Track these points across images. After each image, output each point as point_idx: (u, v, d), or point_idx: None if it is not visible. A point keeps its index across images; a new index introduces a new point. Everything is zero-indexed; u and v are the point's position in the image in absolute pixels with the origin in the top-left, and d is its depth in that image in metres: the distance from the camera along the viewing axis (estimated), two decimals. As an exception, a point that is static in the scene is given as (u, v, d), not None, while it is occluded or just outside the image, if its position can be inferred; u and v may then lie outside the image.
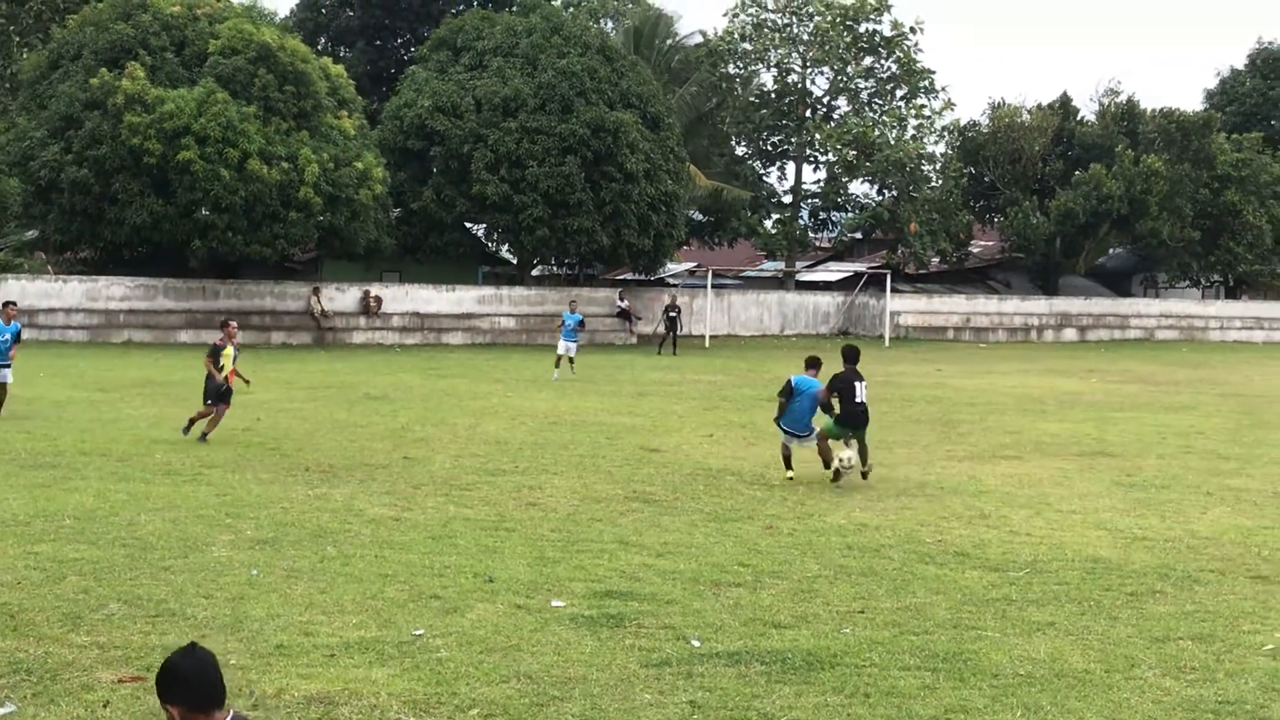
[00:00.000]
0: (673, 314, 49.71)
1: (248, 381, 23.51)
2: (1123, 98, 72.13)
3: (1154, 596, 12.31)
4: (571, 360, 37.14)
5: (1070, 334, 66.28)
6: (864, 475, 18.88)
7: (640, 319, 57.07)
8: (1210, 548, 14.62)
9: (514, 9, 61.40)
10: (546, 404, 29.02)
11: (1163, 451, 23.04)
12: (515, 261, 60.75)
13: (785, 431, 19.16)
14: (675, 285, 67.78)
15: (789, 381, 19.11)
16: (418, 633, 10.60)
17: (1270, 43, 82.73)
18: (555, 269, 65.39)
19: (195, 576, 12.25)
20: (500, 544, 14.02)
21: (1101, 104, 72.39)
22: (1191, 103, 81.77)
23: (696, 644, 10.45)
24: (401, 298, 53.68)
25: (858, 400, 19.00)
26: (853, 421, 19.00)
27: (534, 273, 62.13)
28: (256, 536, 14.09)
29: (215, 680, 5.21)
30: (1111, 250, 76.10)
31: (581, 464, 20.03)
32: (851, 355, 19.61)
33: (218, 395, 21.62)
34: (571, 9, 68.33)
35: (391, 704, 8.94)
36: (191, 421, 21.79)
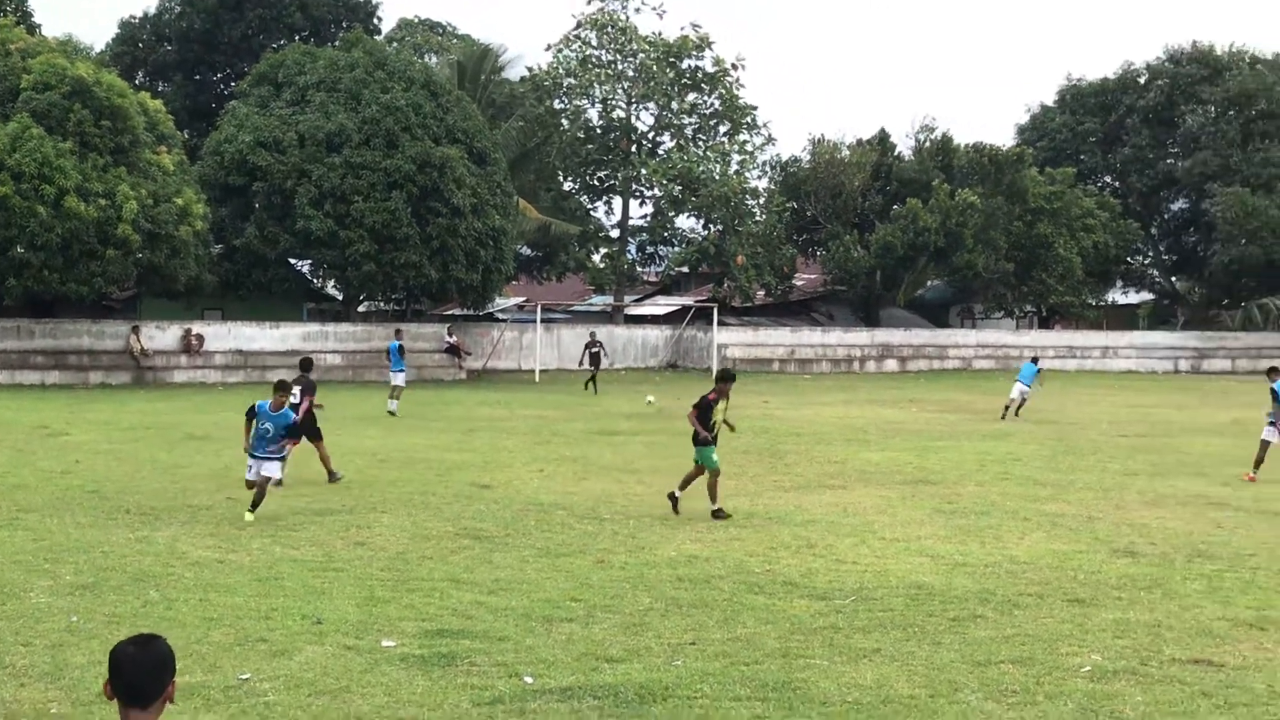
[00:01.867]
0: (594, 349, 49.58)
1: None
2: (938, 133, 73.89)
3: (975, 621, 12.62)
4: (397, 392, 36.83)
5: (891, 365, 67.55)
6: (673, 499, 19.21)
7: (469, 354, 56.88)
8: (1028, 572, 15.03)
9: (336, 44, 60.94)
10: (374, 441, 28.77)
11: (981, 479, 23.63)
12: (341, 297, 60.19)
13: None
14: (504, 320, 67.75)
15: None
16: (244, 676, 10.45)
17: (1079, 80, 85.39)
18: (382, 304, 64.86)
19: (13, 624, 11.93)
20: (328, 585, 13.88)
21: (918, 140, 74.11)
22: (1004, 138, 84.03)
23: (529, 681, 10.46)
24: (224, 335, 52.82)
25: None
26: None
27: (360, 309, 61.59)
28: (76, 582, 13.76)
29: (137, 678, 5.13)
30: (930, 282, 77.78)
31: (411, 501, 19.90)
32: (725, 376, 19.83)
33: None
34: (395, 44, 68.11)
35: (220, 750, 8.79)
36: None
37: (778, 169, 72.89)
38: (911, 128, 75.04)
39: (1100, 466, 25.93)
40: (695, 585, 14.11)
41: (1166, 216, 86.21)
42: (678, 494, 19.14)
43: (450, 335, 56.58)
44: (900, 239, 67.01)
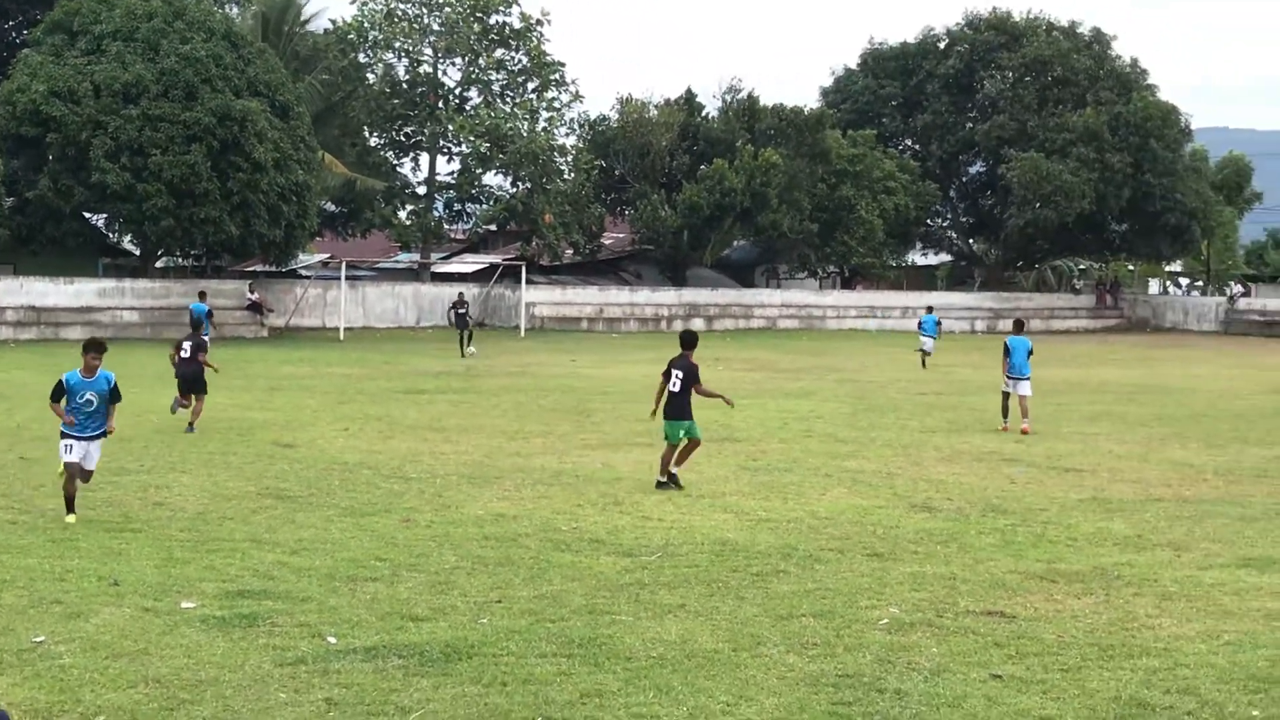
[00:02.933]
0: (461, 310, 48.34)
1: None
2: (743, 94, 74.43)
3: (778, 576, 12.82)
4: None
5: (698, 324, 68.04)
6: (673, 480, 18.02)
7: (272, 311, 55.92)
8: (830, 527, 15.31)
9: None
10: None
11: (785, 436, 23.99)
12: (138, 253, 58.64)
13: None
14: (308, 277, 66.69)
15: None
16: (38, 639, 10.15)
17: (881, 43, 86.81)
18: (181, 260, 63.35)
19: None
20: (125, 546, 13.55)
21: (724, 100, 74.58)
22: (810, 100, 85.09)
23: (332, 640, 10.34)
24: (15, 291, 51.13)
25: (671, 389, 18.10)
26: (668, 413, 18.15)
27: (158, 264, 60.06)
28: None
29: None
30: (736, 242, 78.59)
31: (211, 461, 19.52)
32: (685, 340, 18.64)
33: None
34: (195, -8, 66.27)
35: (12, 713, 8.54)
36: None
37: (586, 127, 72.84)
38: (718, 88, 75.39)
39: (899, 424, 26.51)
40: (502, 543, 14.09)
41: (965, 179, 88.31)
42: (674, 471, 18.07)
43: (252, 292, 55.55)
44: (707, 199, 67.50)
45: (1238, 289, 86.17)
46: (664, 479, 17.92)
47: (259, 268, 65.16)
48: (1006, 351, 26.90)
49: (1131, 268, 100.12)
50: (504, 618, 11.11)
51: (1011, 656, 10.30)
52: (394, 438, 22.84)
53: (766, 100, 74.65)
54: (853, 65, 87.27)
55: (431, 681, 9.38)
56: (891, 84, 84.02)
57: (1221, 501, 17.80)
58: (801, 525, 15.43)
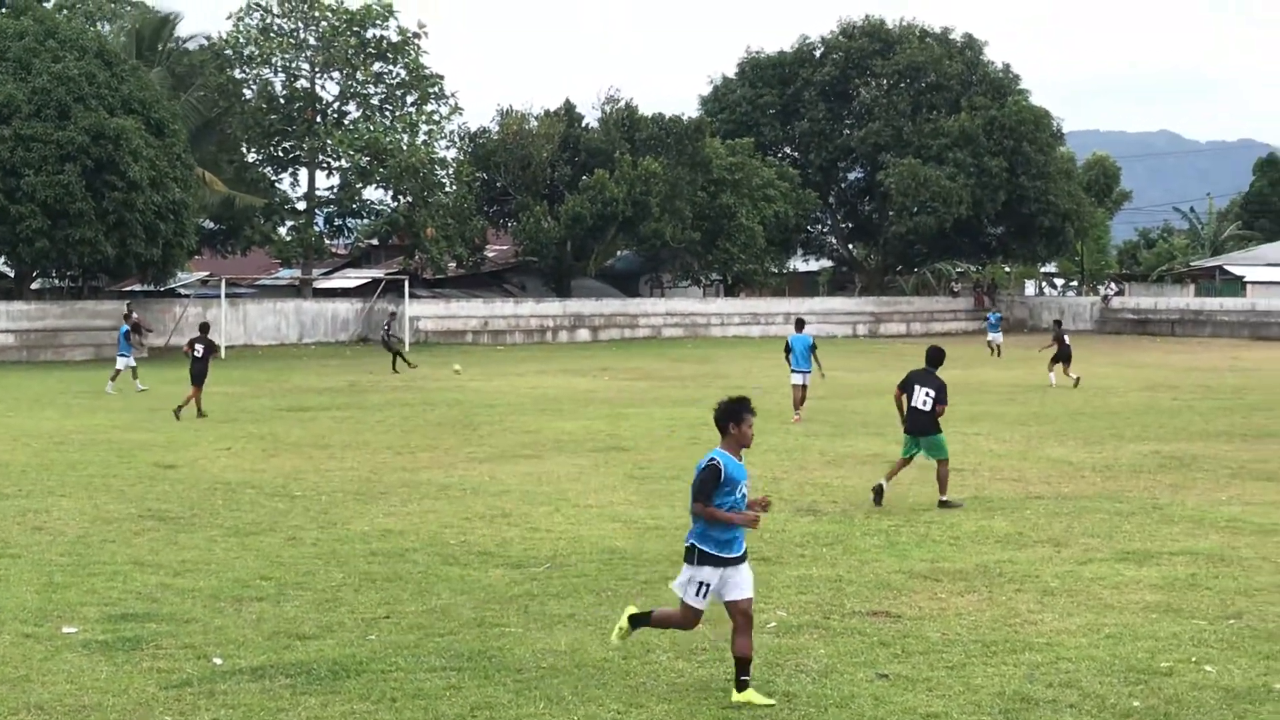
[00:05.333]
0: (386, 328, 47.95)
1: None
2: (622, 104, 74.60)
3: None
4: (134, 371, 37.10)
5: (584, 334, 68.22)
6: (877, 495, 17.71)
7: (151, 331, 55.08)
8: (717, 533, 15.38)
9: (3, 11, 58.03)
10: (52, 423, 27.65)
11: (672, 444, 24.11)
12: (13, 274, 57.47)
13: None
14: (187, 296, 65.81)
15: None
16: (-86, 673, 9.94)
17: (758, 52, 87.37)
18: (57, 281, 62.19)
19: None
20: (4, 571, 13.31)
21: (604, 111, 74.69)
22: (689, 110, 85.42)
23: (218, 662, 10.23)
24: (-115, 316, 49.93)
25: (915, 405, 17.98)
26: (910, 427, 18.10)
27: (34, 286, 58.93)
28: None
29: None
30: (619, 252, 78.77)
31: (91, 484, 19.20)
32: (932, 357, 18.70)
33: None
34: (66, 11, 65.12)
35: (-114, 751, 8.36)
36: None
37: (467, 140, 72.54)
38: (597, 99, 75.28)
39: (784, 429, 26.73)
40: (389, 559, 14.02)
41: (844, 186, 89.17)
42: (885, 485, 17.81)
43: (130, 312, 54.68)
44: (589, 209, 67.56)
45: (1111, 288, 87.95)
46: (943, 500, 17.53)
47: (137, 287, 64.13)
48: (788, 349, 29.47)
49: (1008, 270, 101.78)
50: (392, 633, 11.07)
51: (898, 655, 10.44)
52: (278, 456, 22.62)
53: (645, 110, 74.94)
54: (730, 74, 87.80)
55: (319, 700, 9.32)
56: (769, 92, 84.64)
57: (1099, 497, 18.17)
58: (689, 532, 15.49)
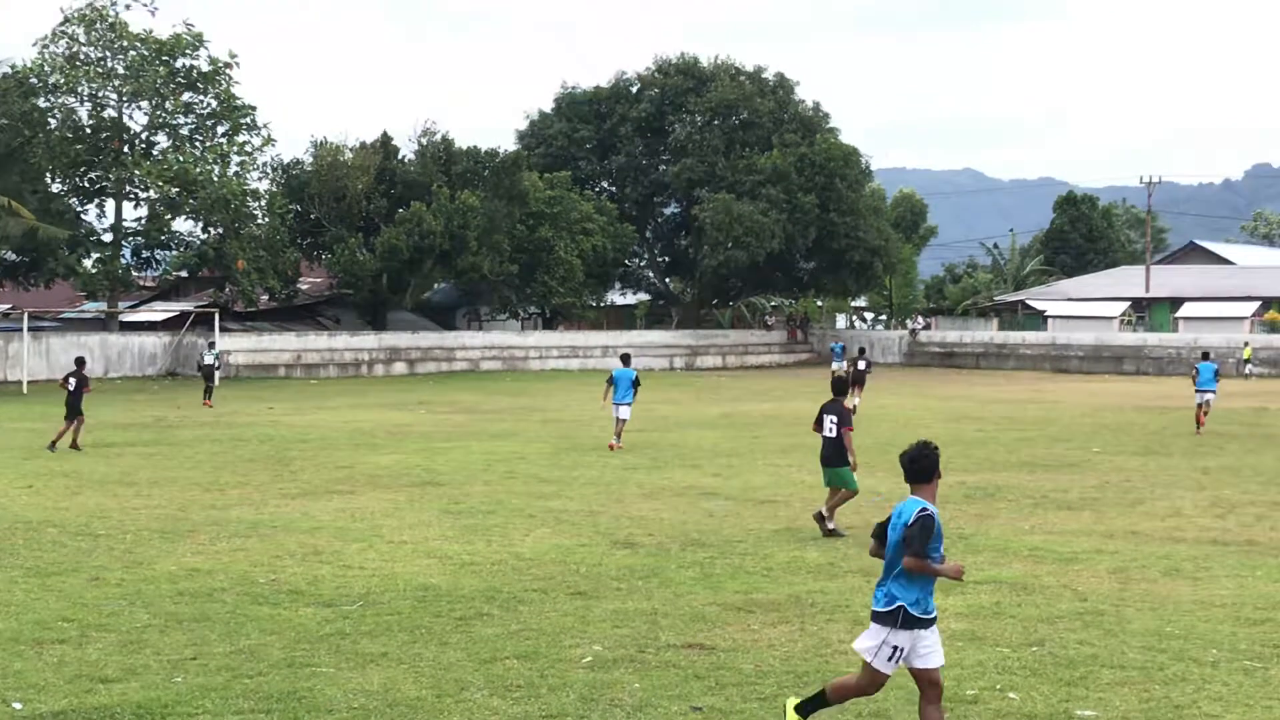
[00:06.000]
0: (207, 361, 46.48)
1: None
2: (439, 137, 74.35)
3: (482, 619, 12.80)
4: None
5: (400, 368, 67.65)
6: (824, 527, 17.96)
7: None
8: (533, 568, 15.37)
9: None
10: None
11: (489, 478, 23.99)
12: None
13: None
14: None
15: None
16: None
17: (574, 87, 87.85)
18: None
19: None
20: None
21: (420, 143, 74.38)
22: (507, 144, 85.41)
23: (18, 706, 9.90)
24: None
25: (825, 434, 18.28)
26: (822, 456, 18.41)
27: None
28: None
29: None
30: (437, 285, 78.36)
31: (-118, 526, 18.45)
32: (835, 387, 19.01)
33: None
34: None
35: None
36: None
37: (280, 171, 71.63)
38: (414, 131, 74.94)
39: (602, 462, 26.78)
40: (197, 599, 13.70)
41: (660, 220, 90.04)
42: (825, 515, 18.07)
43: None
44: (405, 242, 67.14)
45: (919, 322, 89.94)
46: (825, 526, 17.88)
47: (-67, 321, 62.05)
48: (610, 381, 30.45)
49: (820, 303, 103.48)
50: (199, 675, 10.81)
51: (711, 688, 10.50)
52: (81, 493, 21.99)
53: (462, 143, 74.80)
54: (547, 109, 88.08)
55: (123, 746, 9.06)
56: (586, 127, 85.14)
57: (908, 527, 18.47)
58: (505, 567, 15.44)
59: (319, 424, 36.48)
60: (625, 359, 32.59)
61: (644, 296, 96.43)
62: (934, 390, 54.23)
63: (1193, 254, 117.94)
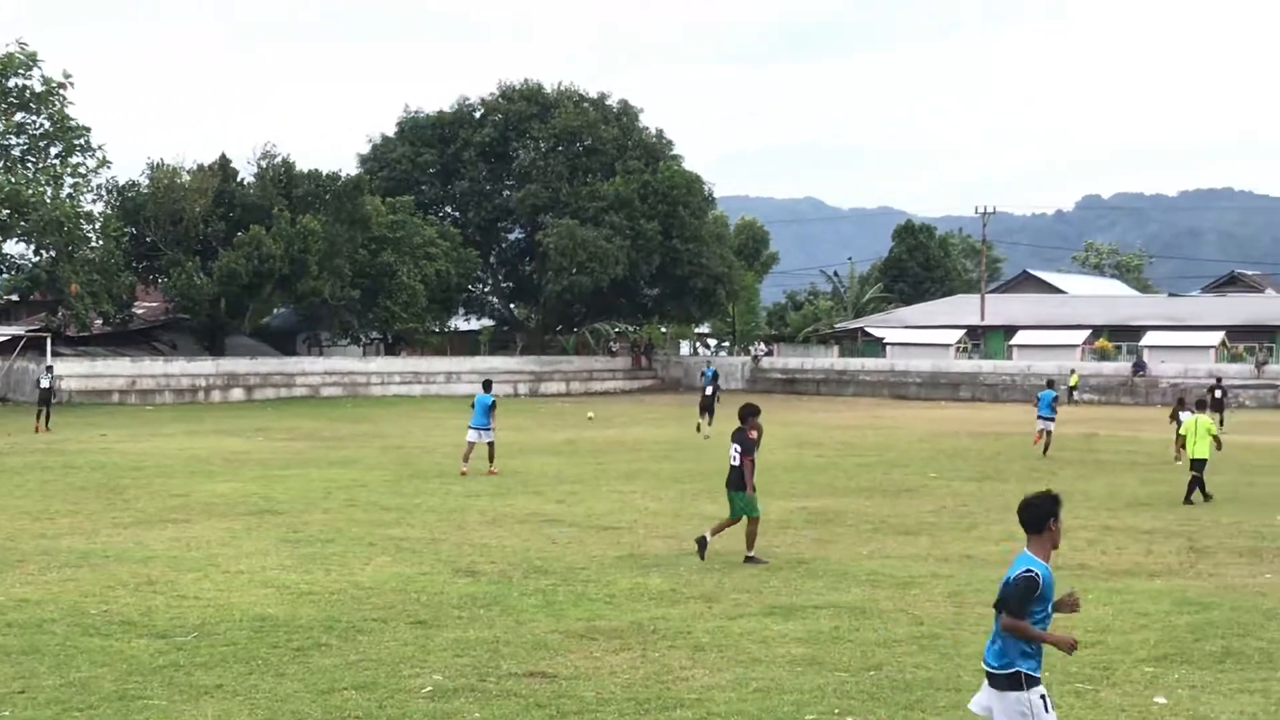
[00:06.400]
0: (44, 385, 44.53)
1: None
2: (279, 160, 73.42)
3: (320, 649, 12.62)
4: None
5: (238, 394, 66.51)
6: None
7: None
8: (373, 597, 15.20)
9: None
10: None
11: (328, 506, 23.68)
12: None
13: None
14: None
15: None
16: None
17: (417, 112, 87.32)
18: None
19: None
20: None
21: (260, 166, 73.35)
22: (348, 167, 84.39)
23: None
24: None
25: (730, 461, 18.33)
26: (727, 482, 18.45)
27: None
28: None
29: None
30: (277, 309, 77.27)
31: None
32: (741, 414, 18.59)
33: None
34: None
35: None
36: None
37: (115, 193, 70.11)
38: (253, 154, 73.81)
39: (444, 490, 26.61)
40: (25, 631, 13.33)
41: (504, 246, 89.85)
42: (709, 538, 18.10)
43: None
44: (245, 266, 66.11)
45: (761, 348, 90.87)
46: (749, 555, 17.91)
47: None
48: (475, 406, 30.85)
49: (664, 330, 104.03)
50: (27, 709, 10.52)
51: (553, 716, 10.49)
52: (-97, 524, 21.27)
53: (303, 166, 73.96)
54: (390, 133, 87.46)
55: (-56, 785, 8.77)
56: (429, 152, 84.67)
57: (749, 553, 18.64)
58: (344, 596, 15.26)
59: (154, 451, 35.74)
60: (486, 385, 32.73)
61: (488, 322, 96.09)
62: (776, 416, 54.71)
63: (1026, 283, 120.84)
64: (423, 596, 15.26)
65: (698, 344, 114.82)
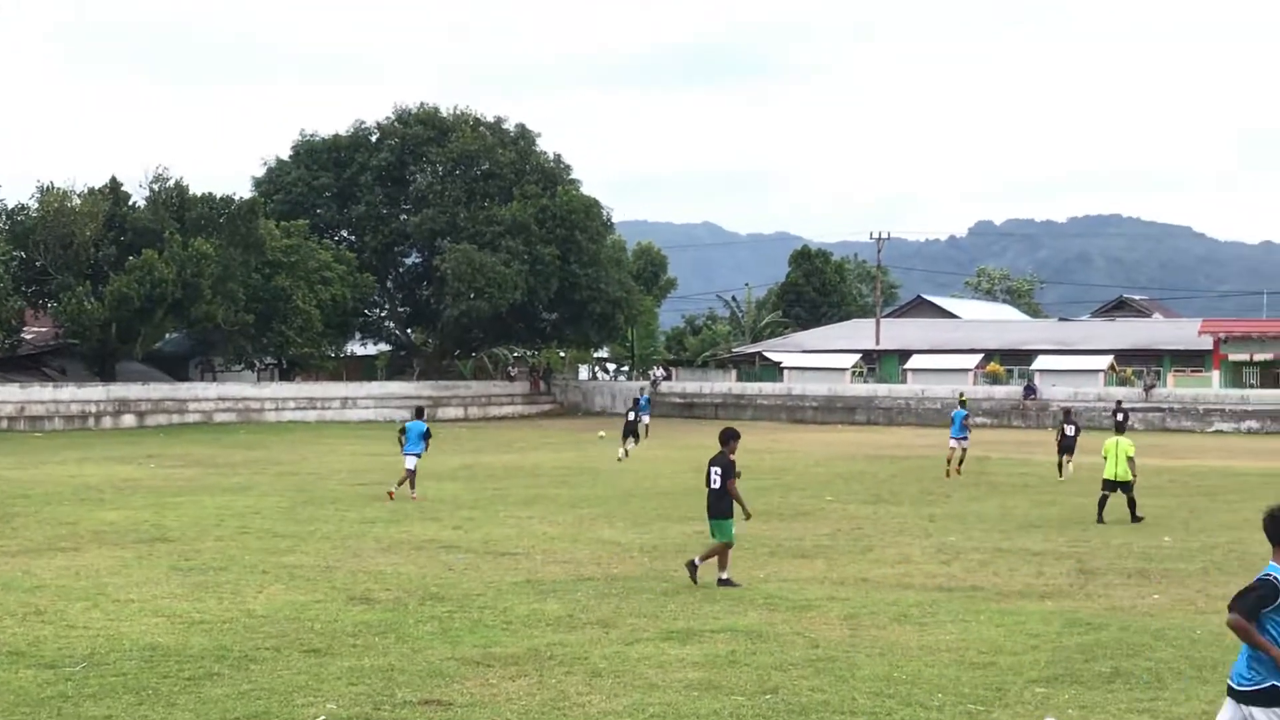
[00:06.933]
0: None
1: None
2: (172, 183, 72.50)
3: (211, 679, 12.45)
4: None
5: (130, 420, 65.51)
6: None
7: None
8: (266, 625, 15.02)
9: None
10: None
11: (221, 534, 23.38)
12: None
13: None
14: None
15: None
16: None
17: (312, 135, 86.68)
18: None
19: None
20: None
21: (152, 190, 72.41)
22: (242, 190, 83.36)
23: None
24: None
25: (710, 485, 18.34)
26: (708, 508, 18.50)
27: None
28: None
29: None
30: (169, 334, 76.27)
31: None
32: (722, 438, 18.74)
33: None
34: None
35: None
36: None
37: (3, 217, 68.92)
38: (145, 177, 72.84)
39: (339, 516, 26.37)
40: (-94, 665, 13.02)
41: (401, 270, 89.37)
42: (697, 562, 18.28)
43: None
44: (136, 290, 65.21)
45: (660, 373, 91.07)
46: (722, 578, 18.04)
47: None
48: (402, 430, 30.89)
49: (563, 354, 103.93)
50: (-93, 746, 10.28)
51: (448, 744, 10.40)
52: None
53: (196, 189, 73.10)
54: (285, 156, 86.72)
55: None
56: (325, 175, 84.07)
57: (647, 578, 18.69)
58: (237, 625, 15.06)
59: (43, 479, 35.10)
60: (419, 412, 33.16)
61: (385, 347, 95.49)
62: (675, 440, 54.90)
63: (920, 308, 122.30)
64: (316, 624, 15.11)
65: (596, 368, 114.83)
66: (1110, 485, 26.82)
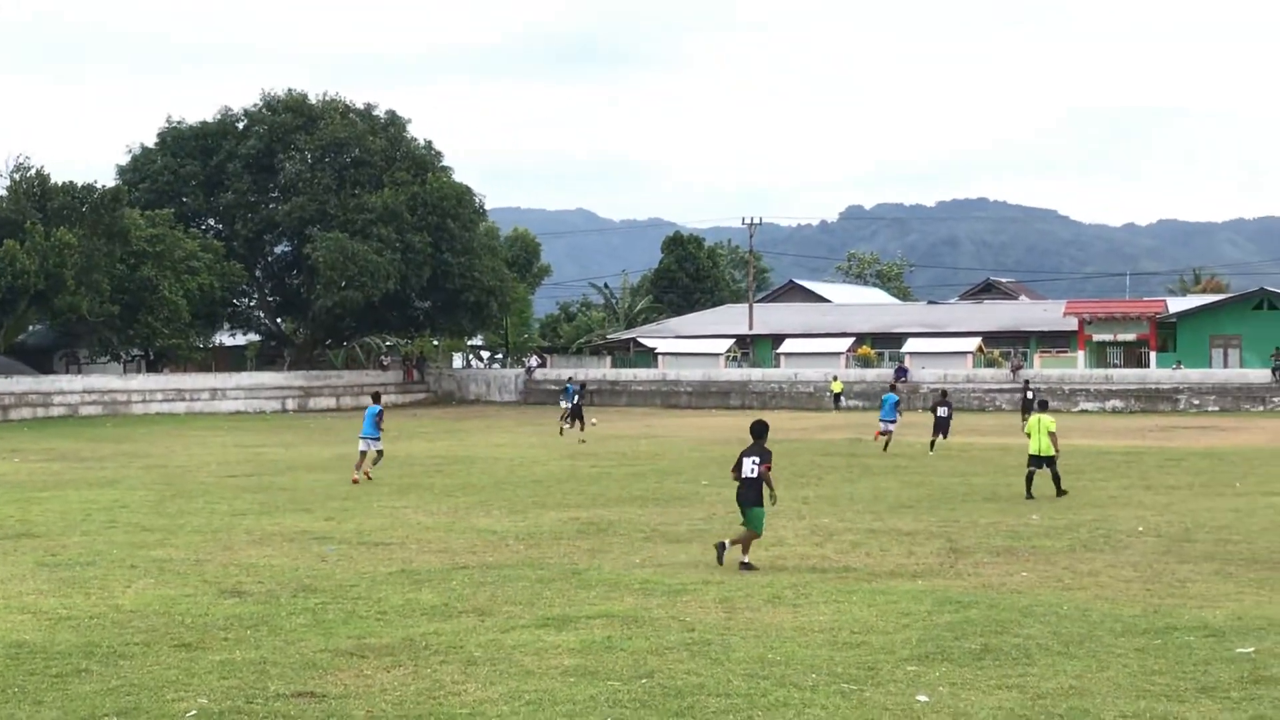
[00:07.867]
0: None
1: None
2: (33, 172, 71.03)
3: (79, 676, 12.22)
4: None
5: (-9, 414, 64.09)
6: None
7: None
8: (135, 620, 14.78)
9: None
10: None
11: (88, 528, 22.97)
12: None
13: None
14: None
15: None
16: None
17: (179, 122, 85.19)
18: None
19: None
20: None
21: (13, 179, 70.87)
22: (106, 179, 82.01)
23: None
24: None
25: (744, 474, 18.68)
26: (739, 497, 18.88)
27: None
28: None
29: None
30: (32, 327, 74.69)
31: None
32: (755, 431, 19.24)
33: None
34: None
35: None
36: None
37: None
38: (5, 166, 71.32)
39: (209, 509, 26.02)
40: None
41: (271, 259, 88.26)
42: (727, 545, 18.70)
43: None
44: (-3, 282, 63.81)
45: (534, 360, 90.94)
46: (744, 562, 18.43)
47: None
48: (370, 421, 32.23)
49: (436, 343, 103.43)
50: None
51: (322, 736, 10.31)
52: None
53: (58, 178, 71.62)
54: (151, 144, 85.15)
55: None
56: (192, 163, 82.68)
57: (522, 565, 18.66)
58: (105, 621, 14.80)
59: (-100, 476, 34.22)
60: (376, 396, 34.18)
61: (254, 337, 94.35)
62: (552, 428, 54.86)
63: (792, 292, 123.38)
64: (187, 619, 14.89)
65: (471, 356, 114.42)
66: (1036, 461, 27.70)
